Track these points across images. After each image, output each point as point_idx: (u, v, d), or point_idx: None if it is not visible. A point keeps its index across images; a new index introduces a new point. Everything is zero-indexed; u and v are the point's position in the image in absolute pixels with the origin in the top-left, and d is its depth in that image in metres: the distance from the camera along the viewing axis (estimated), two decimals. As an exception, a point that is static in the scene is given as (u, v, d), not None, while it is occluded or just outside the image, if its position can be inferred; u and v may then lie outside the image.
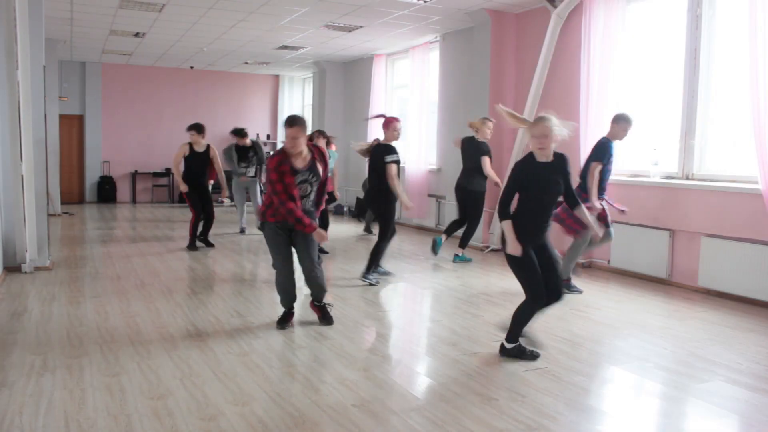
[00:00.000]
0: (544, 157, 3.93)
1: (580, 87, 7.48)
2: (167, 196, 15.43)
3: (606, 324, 5.08)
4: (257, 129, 16.29)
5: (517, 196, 3.99)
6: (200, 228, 8.49)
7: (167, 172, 15.27)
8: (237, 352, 4.18)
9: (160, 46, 12.23)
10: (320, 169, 4.76)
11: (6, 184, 6.48)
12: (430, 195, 10.59)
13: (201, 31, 10.63)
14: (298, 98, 16.70)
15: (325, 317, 4.91)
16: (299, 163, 4.64)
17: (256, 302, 5.61)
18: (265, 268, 7.36)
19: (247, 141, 9.36)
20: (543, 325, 4.98)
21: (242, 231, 9.96)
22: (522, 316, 4.06)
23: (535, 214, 3.96)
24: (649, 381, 3.87)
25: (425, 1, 8.25)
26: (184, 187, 8.29)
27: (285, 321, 4.82)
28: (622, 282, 6.67)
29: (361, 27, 9.97)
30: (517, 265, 4.01)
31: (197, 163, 8.33)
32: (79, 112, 14.58)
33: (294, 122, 4.53)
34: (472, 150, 7.31)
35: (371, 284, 6.28)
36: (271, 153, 10.94)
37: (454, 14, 8.92)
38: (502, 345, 4.16)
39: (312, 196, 4.79)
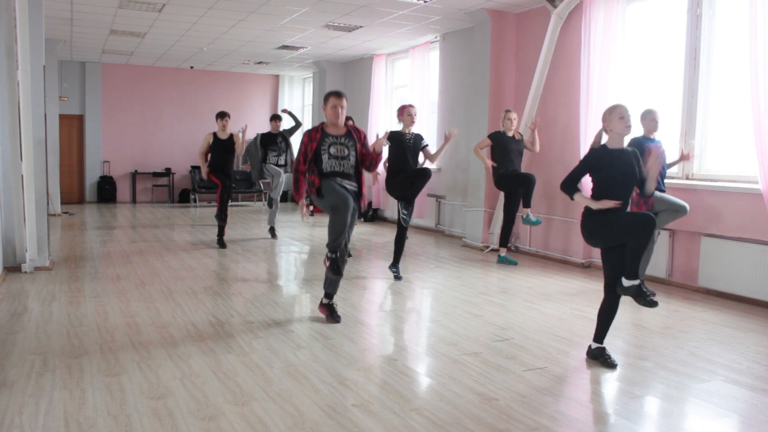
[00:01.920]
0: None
1: (580, 87, 7.48)
2: (167, 196, 15.43)
3: (606, 324, 5.07)
4: (257, 129, 16.24)
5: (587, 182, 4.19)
6: (222, 222, 8.67)
7: (167, 172, 15.27)
8: (237, 352, 4.18)
9: (160, 46, 12.23)
10: (356, 139, 4.99)
11: (6, 184, 6.48)
12: (429, 195, 10.59)
13: (201, 31, 10.63)
14: (298, 98, 16.70)
15: (332, 315, 4.99)
16: (334, 131, 4.95)
17: (256, 302, 5.61)
18: (264, 268, 7.37)
19: (279, 126, 9.44)
20: (543, 324, 4.98)
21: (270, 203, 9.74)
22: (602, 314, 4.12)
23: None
24: (649, 381, 3.87)
25: (425, 1, 8.25)
26: (205, 173, 8.52)
27: (335, 312, 5.04)
28: (622, 282, 6.66)
29: (361, 27, 9.97)
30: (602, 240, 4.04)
31: (222, 149, 8.47)
32: (79, 112, 14.58)
33: (343, 94, 4.91)
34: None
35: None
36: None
37: (454, 14, 8.92)
38: (590, 346, 4.22)
39: (351, 160, 4.96)
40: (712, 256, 6.10)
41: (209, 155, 8.49)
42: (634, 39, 7.19)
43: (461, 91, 9.92)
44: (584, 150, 7.38)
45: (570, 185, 4.10)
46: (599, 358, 4.10)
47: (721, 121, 6.42)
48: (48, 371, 3.74)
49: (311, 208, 4.60)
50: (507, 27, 8.75)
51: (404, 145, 6.51)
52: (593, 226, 4.03)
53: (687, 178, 6.52)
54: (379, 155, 5.09)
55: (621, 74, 7.12)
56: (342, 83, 13.99)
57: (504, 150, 7.48)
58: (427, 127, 10.64)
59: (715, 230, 6.15)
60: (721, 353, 4.37)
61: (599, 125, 7.12)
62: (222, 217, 8.54)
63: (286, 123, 10.72)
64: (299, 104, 16.70)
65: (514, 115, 7.54)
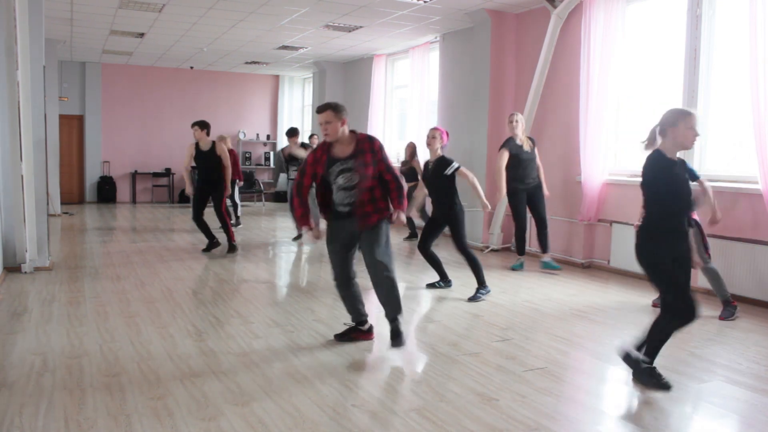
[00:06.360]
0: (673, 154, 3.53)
1: (580, 87, 7.48)
2: (167, 196, 15.42)
3: (606, 324, 5.08)
4: (257, 129, 16.29)
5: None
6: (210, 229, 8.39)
7: (167, 172, 15.26)
8: (237, 352, 4.18)
9: (160, 46, 12.23)
10: (369, 158, 4.16)
11: (6, 184, 6.48)
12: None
13: (201, 31, 10.63)
14: (298, 98, 16.70)
15: (394, 337, 4.30)
16: (340, 152, 4.18)
17: (256, 302, 5.61)
18: (264, 268, 7.37)
19: (297, 141, 9.28)
20: (543, 325, 4.99)
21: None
22: (660, 334, 3.59)
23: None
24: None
25: (425, 1, 8.25)
26: (188, 189, 8.26)
27: (347, 335, 4.48)
28: (622, 282, 6.67)
29: (361, 27, 9.97)
30: (656, 272, 3.66)
31: (202, 162, 8.10)
32: (79, 112, 14.57)
33: (324, 107, 4.12)
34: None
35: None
36: None
37: (454, 14, 8.92)
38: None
39: (363, 186, 4.18)
40: (711, 256, 6.08)
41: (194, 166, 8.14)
42: (634, 39, 7.19)
43: (461, 91, 9.91)
44: (584, 150, 7.38)
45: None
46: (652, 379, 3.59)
47: (721, 121, 6.42)
48: (48, 371, 3.74)
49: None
50: (507, 27, 8.75)
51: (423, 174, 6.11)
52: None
53: (687, 178, 6.51)
54: (403, 196, 4.30)
55: (621, 74, 7.13)
56: (342, 83, 13.99)
57: (517, 160, 6.86)
58: (427, 127, 10.62)
59: (714, 230, 6.14)
60: (721, 353, 4.37)
61: (599, 125, 7.19)
62: (207, 229, 8.17)
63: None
64: (299, 105, 16.70)
65: (517, 117, 6.95)
